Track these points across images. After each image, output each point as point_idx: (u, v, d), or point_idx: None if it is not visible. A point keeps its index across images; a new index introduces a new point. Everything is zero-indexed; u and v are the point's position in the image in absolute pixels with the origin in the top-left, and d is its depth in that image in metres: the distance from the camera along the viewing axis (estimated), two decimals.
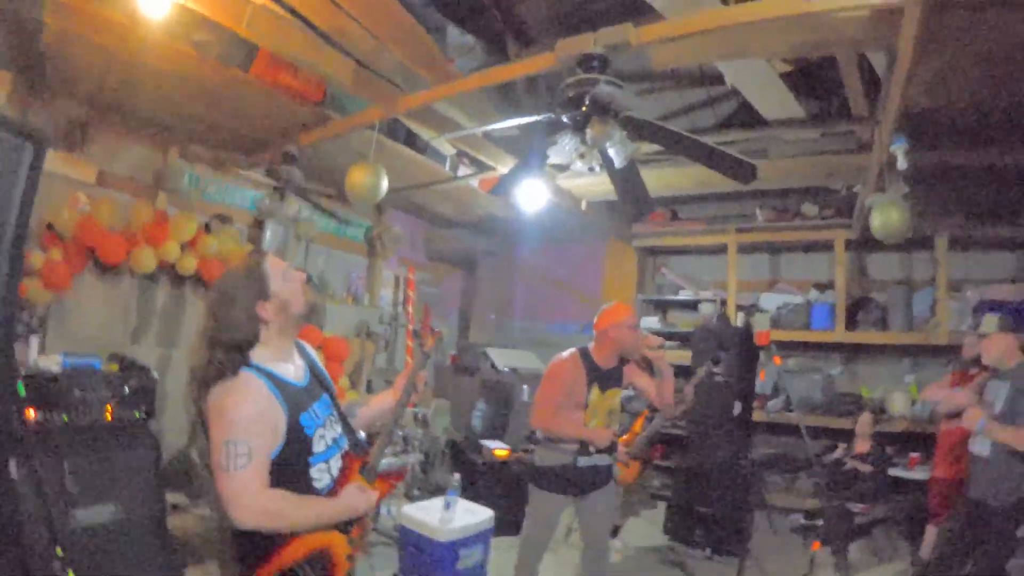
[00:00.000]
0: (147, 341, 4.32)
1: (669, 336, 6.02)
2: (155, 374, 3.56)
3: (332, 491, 1.53)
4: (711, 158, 2.49)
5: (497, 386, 6.00)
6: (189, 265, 4.45)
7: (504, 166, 4.70)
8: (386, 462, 3.83)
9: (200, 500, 3.68)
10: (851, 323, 4.95)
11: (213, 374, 1.44)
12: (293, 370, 1.58)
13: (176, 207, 4.44)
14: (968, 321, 4.62)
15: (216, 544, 3.37)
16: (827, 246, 5.40)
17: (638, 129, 2.52)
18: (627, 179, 2.95)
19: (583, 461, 2.74)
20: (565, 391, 2.71)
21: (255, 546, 1.42)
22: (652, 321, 5.97)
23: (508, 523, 4.03)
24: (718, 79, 4.30)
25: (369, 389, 6.07)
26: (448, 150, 5.24)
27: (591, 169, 2.86)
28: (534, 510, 2.83)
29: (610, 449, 2.81)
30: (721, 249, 5.96)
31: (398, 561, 3.40)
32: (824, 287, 5.28)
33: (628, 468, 4.29)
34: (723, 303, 5.70)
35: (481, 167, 5.16)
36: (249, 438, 1.37)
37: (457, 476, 3.61)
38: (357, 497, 1.53)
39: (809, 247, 5.69)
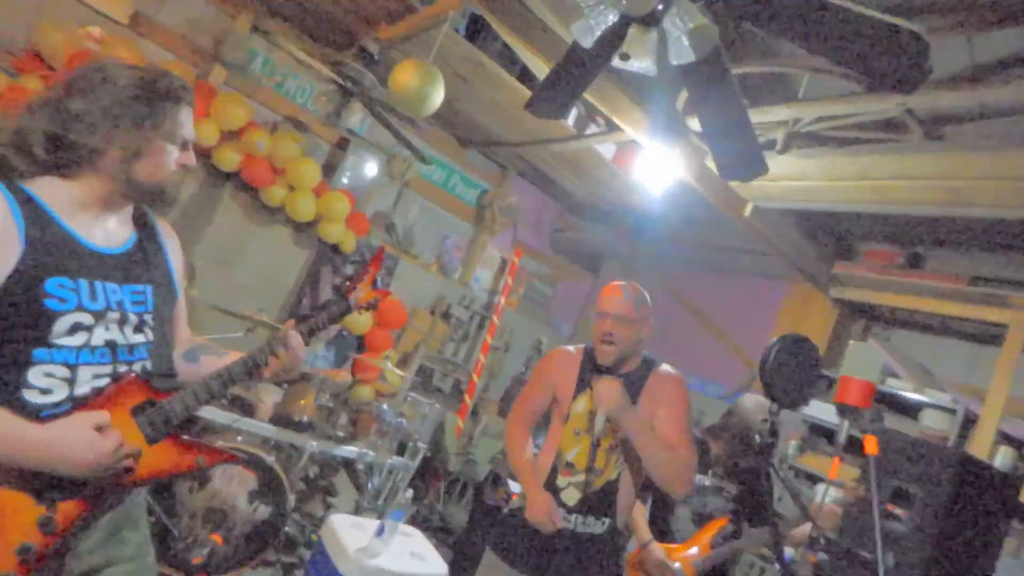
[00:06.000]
0: None
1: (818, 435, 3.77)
2: None
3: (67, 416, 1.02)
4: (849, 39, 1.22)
5: None
6: (229, 159, 3.76)
7: (634, 128, 3.16)
8: (213, 416, 2.59)
9: None
10: None
11: None
12: (101, 232, 1.13)
13: (237, 91, 3.77)
14: None
15: None
16: None
17: None
18: (711, 90, 1.68)
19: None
20: (545, 391, 1.92)
21: None
22: (829, 410, 3.78)
23: None
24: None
25: (423, 378, 4.92)
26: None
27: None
28: None
29: (601, 501, 1.81)
30: (988, 335, 3.53)
31: None
32: None
33: None
34: (970, 420, 3.31)
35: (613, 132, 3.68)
36: None
37: (410, 493, 2.72)
38: (78, 434, 0.99)
39: None
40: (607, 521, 1.82)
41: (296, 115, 4.15)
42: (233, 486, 2.62)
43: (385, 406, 3.16)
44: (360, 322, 4.34)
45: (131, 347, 1.15)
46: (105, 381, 1.10)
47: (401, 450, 3.22)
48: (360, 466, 2.99)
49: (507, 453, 1.93)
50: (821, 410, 3.93)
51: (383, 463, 2.99)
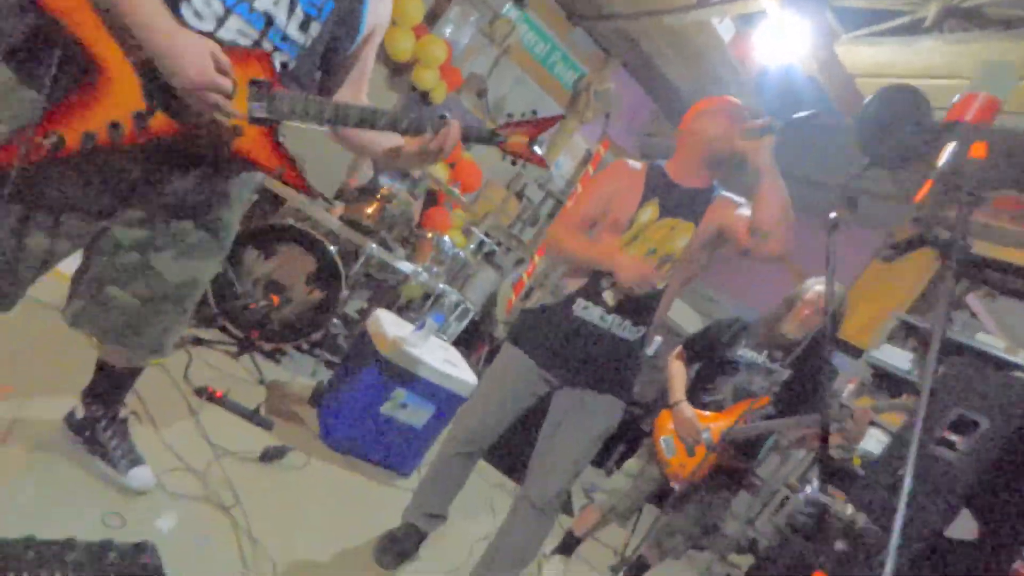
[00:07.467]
0: None
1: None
2: None
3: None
4: None
5: None
6: None
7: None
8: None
9: None
10: None
11: None
12: None
13: None
14: None
15: None
16: None
17: None
18: None
19: (581, 310, 1.72)
20: (601, 201, 1.77)
21: None
22: (902, 356, 3.51)
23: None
24: None
25: (484, 253, 4.94)
26: None
27: None
28: (493, 371, 1.88)
29: (641, 308, 1.71)
30: None
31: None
32: None
33: (691, 456, 2.47)
34: None
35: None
36: None
37: (455, 295, 2.88)
38: (197, 48, 1.02)
39: None
40: (642, 329, 1.75)
41: None
42: (295, 265, 2.75)
43: (447, 238, 3.19)
44: (437, 176, 4.36)
45: (285, 36, 1.16)
46: (246, 42, 1.13)
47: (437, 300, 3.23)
48: (414, 282, 3.05)
49: (563, 249, 1.78)
50: (888, 354, 3.68)
51: (435, 286, 3.05)
